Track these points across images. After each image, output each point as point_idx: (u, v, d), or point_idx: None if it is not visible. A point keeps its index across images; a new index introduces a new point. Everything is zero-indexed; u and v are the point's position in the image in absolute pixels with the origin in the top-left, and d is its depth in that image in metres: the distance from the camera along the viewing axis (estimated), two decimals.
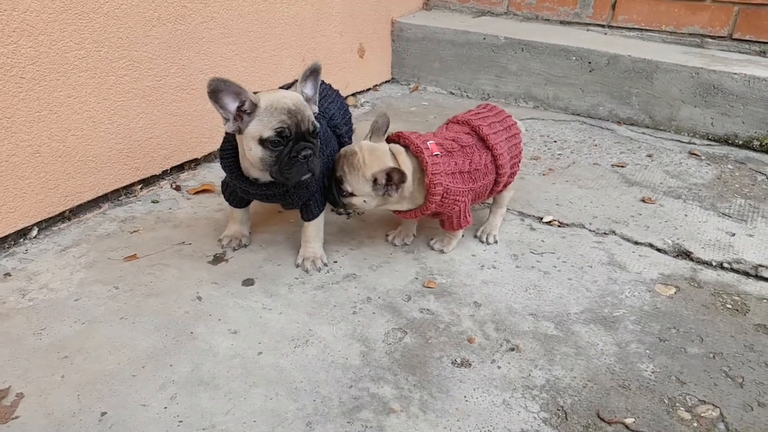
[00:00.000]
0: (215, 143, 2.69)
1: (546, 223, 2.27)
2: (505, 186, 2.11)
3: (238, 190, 1.89)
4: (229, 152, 1.79)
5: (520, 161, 2.13)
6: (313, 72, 1.75)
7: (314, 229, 1.98)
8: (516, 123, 2.12)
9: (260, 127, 1.63)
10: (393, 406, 1.41)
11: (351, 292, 1.85)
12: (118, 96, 2.20)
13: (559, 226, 2.26)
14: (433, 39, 3.74)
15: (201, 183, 2.50)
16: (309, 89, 1.77)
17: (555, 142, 3.04)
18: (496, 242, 2.14)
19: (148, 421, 1.34)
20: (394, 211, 1.97)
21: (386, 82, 3.99)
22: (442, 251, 2.07)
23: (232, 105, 1.62)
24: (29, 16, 1.85)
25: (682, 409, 1.44)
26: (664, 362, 1.59)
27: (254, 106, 1.63)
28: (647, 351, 1.63)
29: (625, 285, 1.91)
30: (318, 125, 1.72)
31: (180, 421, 1.34)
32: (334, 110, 2.03)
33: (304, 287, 1.86)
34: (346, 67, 3.52)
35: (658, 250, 2.12)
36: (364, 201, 1.85)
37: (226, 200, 2.01)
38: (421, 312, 1.76)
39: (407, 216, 1.95)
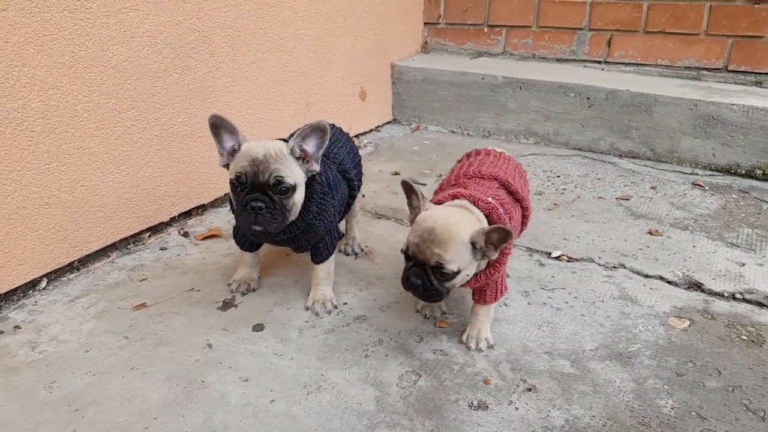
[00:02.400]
0: (222, 189, 2.72)
1: (555, 258, 2.27)
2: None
3: (248, 233, 1.90)
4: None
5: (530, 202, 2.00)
6: (316, 130, 1.72)
7: (324, 272, 1.97)
8: (521, 164, 2.01)
9: (232, 168, 1.74)
10: None
11: (362, 334, 1.83)
12: (126, 146, 2.24)
13: (568, 261, 2.25)
14: (432, 80, 3.81)
15: (208, 228, 2.51)
16: (310, 146, 1.74)
17: (558, 177, 3.07)
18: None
19: None
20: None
21: (388, 123, 4.05)
22: (489, 345, 1.77)
23: (229, 143, 1.77)
24: (39, 71, 1.90)
25: None
26: (683, 397, 1.56)
27: (238, 147, 1.75)
28: (665, 386, 1.60)
29: (638, 319, 1.89)
30: (289, 184, 1.68)
31: None
32: (344, 155, 2.05)
33: (315, 330, 1.85)
34: (348, 110, 3.58)
35: (669, 282, 2.10)
36: (467, 275, 1.61)
37: (237, 244, 2.02)
38: (435, 353, 1.74)
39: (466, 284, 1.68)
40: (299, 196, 1.75)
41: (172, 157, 2.44)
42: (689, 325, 1.86)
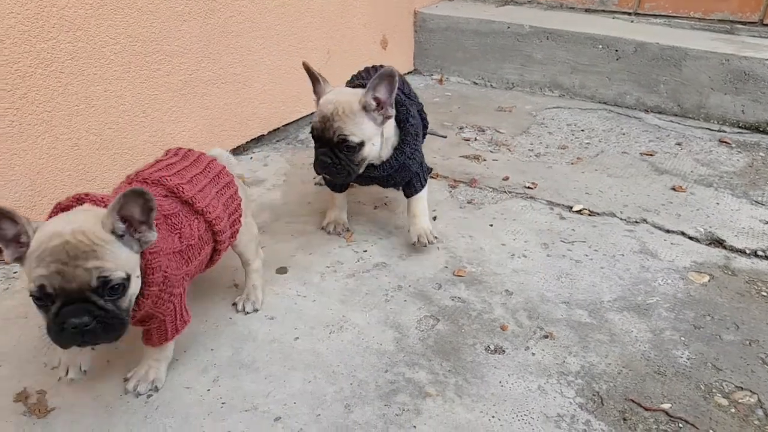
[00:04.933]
0: (243, 136, 2.74)
1: (576, 212, 2.27)
2: (225, 249, 1.58)
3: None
4: None
5: (241, 216, 1.61)
6: (384, 77, 1.72)
7: (421, 205, 2.02)
8: (225, 168, 1.60)
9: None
10: (429, 391, 1.44)
11: (382, 280, 1.87)
12: (152, 90, 2.24)
13: (589, 214, 2.25)
14: (456, 29, 3.73)
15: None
16: (383, 94, 1.76)
17: (582, 131, 3.03)
18: (256, 310, 1.71)
19: (192, 403, 1.38)
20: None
21: (408, 73, 3.99)
22: (151, 393, 1.42)
23: (317, 88, 1.87)
24: (67, 12, 1.89)
25: (719, 395, 1.44)
26: (699, 349, 1.58)
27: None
28: (682, 338, 1.62)
29: (657, 273, 1.91)
30: (353, 143, 1.75)
31: (223, 403, 1.38)
32: (416, 96, 2.11)
33: (336, 275, 1.89)
34: (369, 59, 3.52)
35: (691, 238, 2.10)
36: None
37: (327, 185, 2.10)
38: (453, 300, 1.78)
39: None
40: (369, 150, 1.80)
41: (196, 102, 2.45)
42: (709, 280, 1.87)
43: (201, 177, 1.49)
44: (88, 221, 1.16)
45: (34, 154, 1.92)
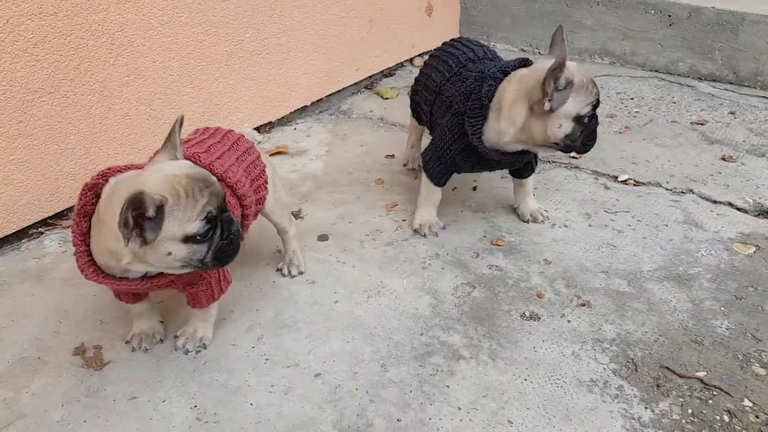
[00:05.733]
0: (286, 107, 2.78)
1: (621, 182, 2.23)
2: (255, 216, 1.60)
3: (468, 160, 1.84)
4: (480, 121, 1.74)
5: (266, 182, 1.62)
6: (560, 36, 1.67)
7: (531, 184, 2.02)
8: (243, 136, 1.64)
9: (578, 104, 1.62)
10: (463, 353, 1.47)
11: (419, 248, 1.90)
12: (198, 60, 2.31)
13: (634, 185, 2.21)
14: None
15: (275, 145, 2.59)
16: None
17: (632, 99, 2.95)
18: (301, 273, 1.78)
19: (238, 359, 1.47)
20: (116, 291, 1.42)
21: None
22: (199, 349, 1.50)
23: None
24: None
25: (757, 365, 1.42)
26: (739, 319, 1.56)
27: (570, 82, 1.59)
28: (722, 308, 1.60)
29: (701, 243, 1.87)
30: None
31: (267, 359, 1.46)
32: None
33: (375, 243, 1.93)
34: (413, 27, 3.50)
35: (738, 209, 2.04)
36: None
37: (433, 178, 1.93)
38: (490, 268, 1.80)
39: (145, 287, 1.35)
40: None
41: (242, 73, 2.50)
42: (754, 252, 1.82)
43: (218, 145, 1.51)
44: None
45: (88, 124, 2.02)
